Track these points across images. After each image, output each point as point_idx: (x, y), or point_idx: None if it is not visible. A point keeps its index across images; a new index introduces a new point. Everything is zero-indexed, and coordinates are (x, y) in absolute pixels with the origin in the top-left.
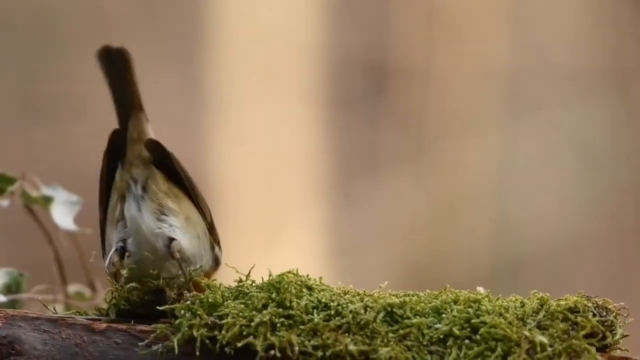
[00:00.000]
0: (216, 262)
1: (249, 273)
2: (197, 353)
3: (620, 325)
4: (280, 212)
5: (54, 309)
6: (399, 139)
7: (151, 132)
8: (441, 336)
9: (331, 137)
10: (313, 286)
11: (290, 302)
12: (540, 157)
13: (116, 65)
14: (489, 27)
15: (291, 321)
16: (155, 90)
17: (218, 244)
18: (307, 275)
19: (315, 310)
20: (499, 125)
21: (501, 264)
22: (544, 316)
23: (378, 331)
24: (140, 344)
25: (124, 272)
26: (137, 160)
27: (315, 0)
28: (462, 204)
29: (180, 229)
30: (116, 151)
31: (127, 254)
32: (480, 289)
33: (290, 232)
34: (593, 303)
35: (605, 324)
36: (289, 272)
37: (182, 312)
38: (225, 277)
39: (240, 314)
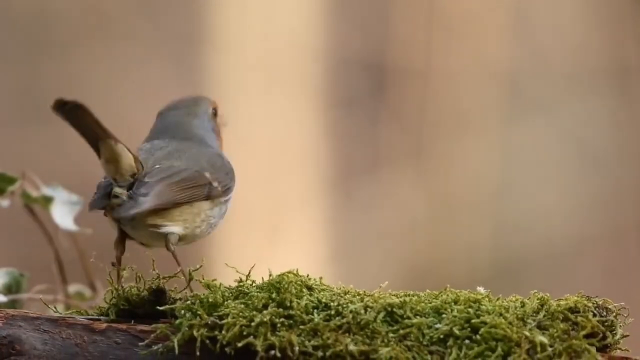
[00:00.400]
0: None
1: (249, 273)
2: (198, 353)
3: (620, 325)
4: (280, 211)
5: (55, 308)
6: (400, 139)
7: (122, 151)
8: (441, 336)
9: (332, 136)
10: (313, 286)
11: (291, 302)
12: (540, 157)
13: (74, 116)
14: (489, 28)
15: (291, 321)
16: (155, 90)
17: (224, 190)
18: (307, 275)
19: (315, 310)
20: (500, 125)
21: (501, 264)
22: (544, 316)
23: (378, 331)
24: (140, 344)
25: (125, 273)
26: (119, 177)
27: (316, 0)
28: (463, 204)
29: (178, 232)
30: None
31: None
32: (481, 289)
33: (291, 232)
34: (593, 303)
35: (606, 324)
36: (289, 272)
37: (183, 312)
38: (226, 277)
39: (241, 314)
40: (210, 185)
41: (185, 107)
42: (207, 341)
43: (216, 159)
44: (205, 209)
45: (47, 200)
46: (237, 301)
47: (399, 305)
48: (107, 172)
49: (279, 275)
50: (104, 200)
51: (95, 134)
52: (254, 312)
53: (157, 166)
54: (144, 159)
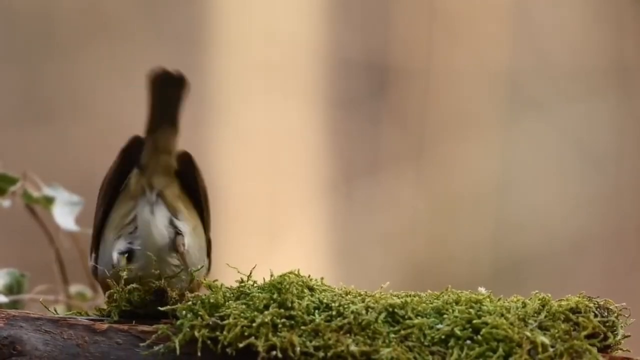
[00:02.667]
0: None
1: (251, 273)
2: (199, 354)
3: (621, 326)
4: (281, 212)
5: (55, 310)
6: (400, 139)
7: (176, 146)
8: (443, 337)
9: (332, 137)
10: (314, 287)
11: (292, 302)
12: (540, 157)
13: (172, 89)
14: (489, 28)
15: (293, 322)
16: None
17: (209, 256)
18: (309, 276)
19: (316, 311)
20: (500, 125)
21: (502, 264)
22: (546, 317)
23: (379, 332)
24: (141, 344)
25: (125, 274)
26: (159, 169)
27: (316, 0)
28: (463, 204)
29: (188, 234)
30: (130, 157)
31: (132, 258)
32: (482, 290)
33: (292, 233)
34: (594, 303)
35: (607, 324)
36: (290, 273)
37: (184, 312)
38: (227, 278)
39: (242, 314)
40: (210, 242)
41: None
42: (209, 342)
43: None
44: (204, 244)
45: (48, 201)
46: (238, 302)
47: (400, 306)
48: (152, 163)
49: (280, 276)
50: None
51: (170, 117)
52: (255, 313)
53: None
54: None
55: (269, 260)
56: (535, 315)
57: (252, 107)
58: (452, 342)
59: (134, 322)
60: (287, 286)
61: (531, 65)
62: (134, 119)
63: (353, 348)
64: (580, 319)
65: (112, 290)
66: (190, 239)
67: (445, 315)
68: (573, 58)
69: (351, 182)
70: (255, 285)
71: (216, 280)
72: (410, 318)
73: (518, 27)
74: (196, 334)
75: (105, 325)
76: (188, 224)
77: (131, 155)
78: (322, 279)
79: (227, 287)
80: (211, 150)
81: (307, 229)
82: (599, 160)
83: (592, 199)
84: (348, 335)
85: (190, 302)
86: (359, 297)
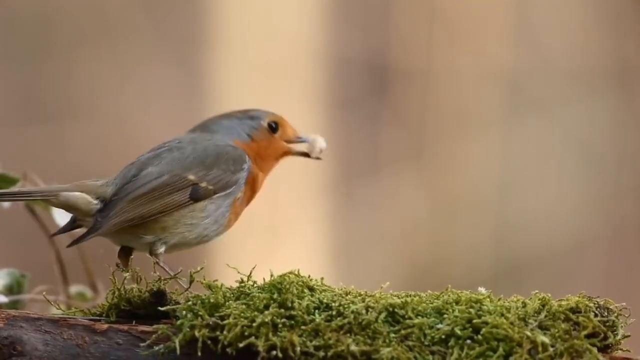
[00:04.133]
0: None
1: (251, 274)
2: (199, 354)
3: (621, 326)
4: (281, 212)
5: (58, 305)
6: (401, 139)
7: (71, 198)
8: (443, 336)
9: (333, 137)
10: (314, 287)
11: (292, 302)
12: (541, 157)
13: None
14: (489, 28)
15: (293, 322)
16: (157, 90)
17: (221, 186)
18: (309, 276)
19: (316, 311)
20: (500, 125)
21: (503, 264)
22: (546, 316)
23: (380, 331)
24: (141, 344)
25: (127, 274)
26: (86, 213)
27: (317, 0)
28: (464, 204)
29: (156, 241)
30: None
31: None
32: (482, 290)
33: (292, 233)
34: (595, 303)
35: (607, 324)
36: (290, 273)
37: (184, 312)
38: (227, 278)
39: (242, 314)
40: (195, 187)
41: (233, 111)
42: (209, 342)
43: (212, 153)
44: (187, 213)
45: None
46: (238, 302)
47: (401, 306)
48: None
49: (280, 276)
50: (68, 227)
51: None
52: (256, 313)
53: (134, 178)
54: (127, 169)
55: (269, 260)
56: (536, 315)
57: (252, 107)
58: (452, 342)
59: (134, 322)
60: (287, 286)
61: (531, 65)
62: (134, 119)
63: (353, 348)
64: (581, 318)
65: (111, 289)
66: (163, 238)
67: (445, 315)
68: (574, 58)
69: (351, 182)
70: (255, 285)
71: (216, 280)
72: (410, 318)
73: (518, 28)
74: (196, 334)
75: (105, 326)
76: (150, 230)
77: None
78: (322, 279)
79: (227, 287)
80: None
81: (307, 229)
82: (599, 160)
83: (593, 199)
84: (348, 335)
85: (190, 302)
86: (359, 297)
